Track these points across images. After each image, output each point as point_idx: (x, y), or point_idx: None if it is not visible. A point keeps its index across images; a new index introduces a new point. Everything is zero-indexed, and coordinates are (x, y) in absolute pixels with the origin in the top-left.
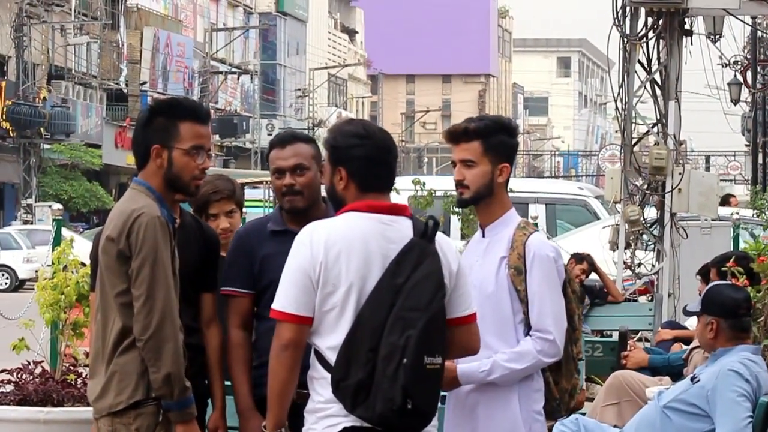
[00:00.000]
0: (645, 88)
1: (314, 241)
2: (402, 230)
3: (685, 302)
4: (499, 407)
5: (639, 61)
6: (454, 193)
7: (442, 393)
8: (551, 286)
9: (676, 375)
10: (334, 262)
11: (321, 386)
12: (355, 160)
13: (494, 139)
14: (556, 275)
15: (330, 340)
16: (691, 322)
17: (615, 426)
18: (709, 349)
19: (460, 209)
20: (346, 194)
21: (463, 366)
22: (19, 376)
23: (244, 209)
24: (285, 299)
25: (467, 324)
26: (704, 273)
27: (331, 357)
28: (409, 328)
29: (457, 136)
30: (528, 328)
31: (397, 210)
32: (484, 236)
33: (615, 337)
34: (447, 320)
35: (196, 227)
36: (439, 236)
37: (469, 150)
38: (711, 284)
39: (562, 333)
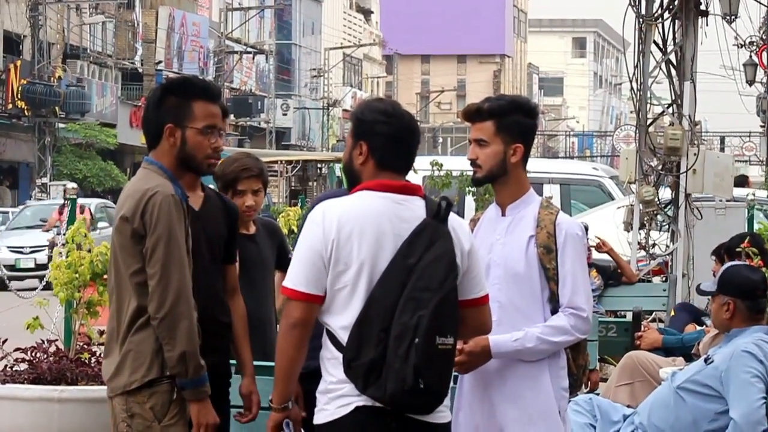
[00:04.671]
0: (660, 68)
1: (327, 220)
2: (415, 210)
3: (699, 283)
4: (530, 385)
5: (654, 42)
6: (470, 172)
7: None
8: (582, 264)
9: (690, 356)
10: (346, 240)
11: (333, 366)
12: (379, 135)
13: (508, 119)
14: (584, 253)
15: (341, 320)
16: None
17: (628, 406)
18: (723, 329)
19: (475, 188)
20: (363, 170)
21: (495, 336)
22: (33, 354)
23: None
24: (296, 277)
25: (481, 305)
26: (719, 253)
27: (343, 336)
28: (421, 309)
29: (471, 115)
30: (553, 306)
31: (410, 190)
32: (504, 215)
33: (629, 317)
34: (461, 302)
35: (218, 200)
36: (452, 217)
37: (482, 130)
38: (727, 264)
39: (591, 311)
